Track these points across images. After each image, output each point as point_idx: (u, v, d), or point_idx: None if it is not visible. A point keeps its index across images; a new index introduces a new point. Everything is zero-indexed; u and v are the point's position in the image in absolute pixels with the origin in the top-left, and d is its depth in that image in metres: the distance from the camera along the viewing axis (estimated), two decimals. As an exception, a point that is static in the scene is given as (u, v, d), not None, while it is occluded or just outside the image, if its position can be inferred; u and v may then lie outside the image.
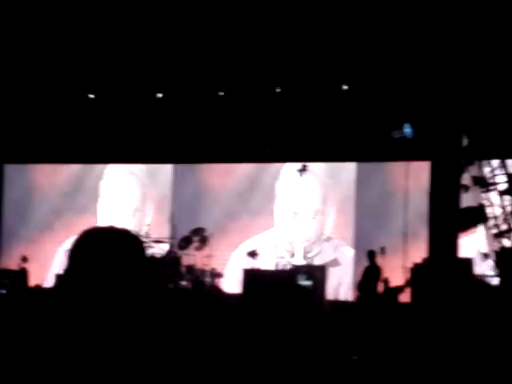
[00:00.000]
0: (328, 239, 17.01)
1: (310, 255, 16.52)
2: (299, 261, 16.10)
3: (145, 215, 18.15)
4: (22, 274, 14.74)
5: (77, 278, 2.18)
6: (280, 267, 15.56)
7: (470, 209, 14.26)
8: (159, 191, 18.27)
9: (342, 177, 17.22)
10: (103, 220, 18.28)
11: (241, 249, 17.16)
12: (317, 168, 16.98)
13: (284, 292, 13.05)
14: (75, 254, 2.22)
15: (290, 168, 16.98)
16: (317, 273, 14.61)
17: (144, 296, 2.20)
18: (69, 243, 17.83)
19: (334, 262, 16.27)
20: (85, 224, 17.77)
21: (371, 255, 14.53)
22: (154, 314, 2.27)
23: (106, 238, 2.24)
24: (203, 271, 15.31)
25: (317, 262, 16.31)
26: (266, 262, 15.99)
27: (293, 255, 16.52)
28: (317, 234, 17.04)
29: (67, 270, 2.21)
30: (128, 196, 18.39)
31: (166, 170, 18.36)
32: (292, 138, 16.57)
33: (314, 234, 17.02)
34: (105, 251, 2.19)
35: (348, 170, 17.21)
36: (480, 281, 12.57)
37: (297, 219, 16.86)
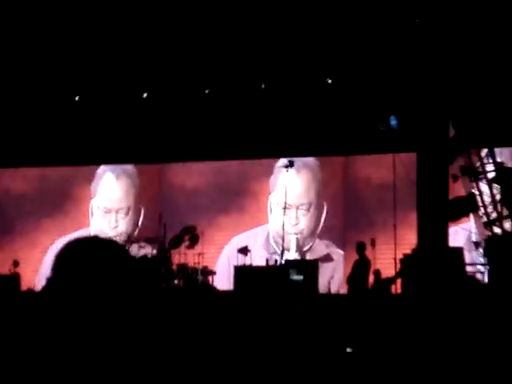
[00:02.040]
0: (320, 235, 17.06)
1: (303, 249, 16.59)
2: (292, 255, 16.15)
3: (135, 216, 18.12)
4: (14, 278, 14.70)
5: (59, 289, 2.17)
6: (271, 263, 15.58)
7: (459, 198, 14.33)
8: (149, 191, 18.26)
9: (333, 171, 17.25)
10: (93, 222, 18.27)
11: (232, 243, 17.19)
12: (310, 162, 17.06)
13: (276, 288, 13.06)
14: (58, 265, 2.21)
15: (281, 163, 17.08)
16: (308, 268, 14.63)
17: (133, 301, 2.19)
18: (57, 246, 18.02)
19: (327, 258, 16.28)
20: (75, 226, 17.95)
21: (361, 248, 14.53)
22: (146, 315, 2.26)
23: (89, 249, 2.22)
24: (195, 269, 15.31)
25: (309, 256, 16.35)
26: (258, 258, 16.01)
27: (286, 250, 16.58)
28: (310, 228, 17.07)
29: (50, 282, 2.20)
30: (117, 197, 18.37)
31: (153, 169, 18.34)
32: (278, 133, 16.58)
33: (307, 228, 17.05)
34: (88, 262, 2.18)
35: (336, 163, 17.24)
36: (470, 277, 12.61)
37: (290, 213, 16.86)
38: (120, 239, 15.67)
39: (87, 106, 17.32)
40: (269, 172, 17.49)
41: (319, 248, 16.80)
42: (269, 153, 17.13)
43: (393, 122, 14.45)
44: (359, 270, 14.30)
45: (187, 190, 17.99)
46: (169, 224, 15.71)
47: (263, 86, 16.26)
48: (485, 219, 14.14)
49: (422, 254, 12.98)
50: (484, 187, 14.16)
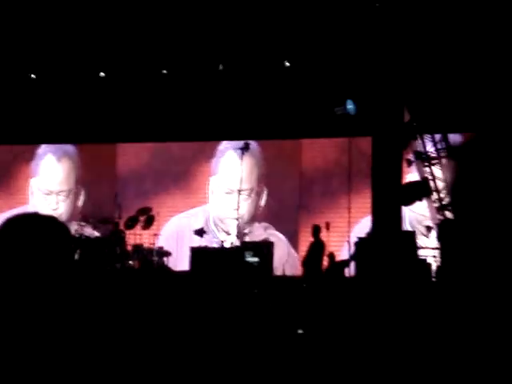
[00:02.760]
0: (259, 220, 17.22)
1: (243, 233, 16.77)
2: (233, 239, 16.28)
3: (75, 198, 18.08)
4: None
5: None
6: (227, 245, 15.64)
7: (413, 183, 14.51)
8: (103, 170, 18.16)
9: (281, 154, 17.31)
10: (33, 202, 18.23)
11: (172, 223, 17.28)
12: (253, 147, 17.17)
13: (231, 269, 13.13)
14: None
15: (228, 146, 17.17)
16: (263, 249, 14.71)
17: (73, 280, 2.18)
18: None
19: (265, 241, 16.36)
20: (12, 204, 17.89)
21: (316, 230, 14.63)
22: (90, 294, 2.25)
23: (29, 225, 2.21)
24: (150, 250, 15.30)
25: (248, 240, 16.45)
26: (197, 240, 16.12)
27: (227, 233, 16.77)
28: (250, 212, 17.26)
29: None
30: (59, 180, 18.32)
31: (109, 149, 18.22)
32: (234, 115, 16.56)
33: (248, 213, 17.23)
34: (27, 237, 2.16)
35: (286, 147, 17.28)
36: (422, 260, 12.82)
37: (231, 197, 17.03)
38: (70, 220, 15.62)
39: (41, 83, 17.08)
40: (210, 155, 17.62)
41: (258, 232, 16.98)
42: (221, 135, 17.14)
43: (349, 106, 14.54)
44: (314, 252, 14.42)
45: (137, 171, 17.94)
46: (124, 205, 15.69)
47: (221, 67, 16.21)
48: (437, 204, 14.34)
49: (376, 238, 13.14)
50: (437, 172, 14.34)
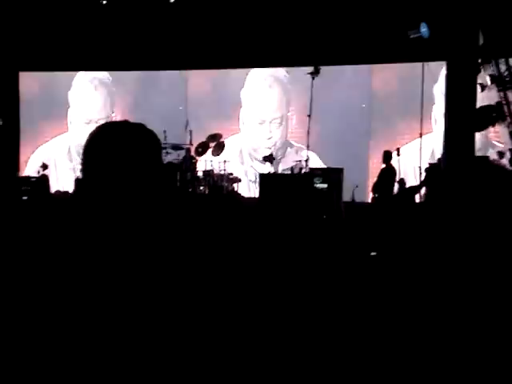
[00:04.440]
0: (291, 144, 17.38)
1: (278, 159, 16.86)
2: (267, 167, 16.37)
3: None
4: (43, 180, 14.90)
5: (93, 175, 2.17)
6: (296, 170, 15.63)
7: (486, 107, 14.19)
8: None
9: (351, 79, 17.08)
10: (72, 130, 18.65)
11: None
12: (281, 76, 17.11)
13: (300, 195, 13.15)
14: (90, 149, 2.21)
15: (257, 74, 17.25)
16: (332, 175, 14.67)
17: (162, 193, 2.23)
18: (42, 151, 18.46)
19: (299, 165, 16.33)
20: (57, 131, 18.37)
21: (386, 156, 14.51)
22: (172, 214, 2.28)
23: (121, 132, 2.22)
24: (220, 176, 15.43)
25: (283, 166, 16.46)
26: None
27: (262, 162, 16.89)
28: (282, 139, 17.49)
29: (83, 167, 2.20)
30: (98, 108, 18.71)
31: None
32: (304, 40, 16.28)
33: (280, 140, 17.48)
34: (120, 144, 2.17)
35: (357, 72, 17.04)
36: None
37: (264, 127, 17.30)
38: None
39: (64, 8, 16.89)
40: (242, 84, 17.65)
41: (290, 156, 16.99)
42: (294, 60, 16.93)
43: (423, 29, 14.20)
44: (385, 178, 14.34)
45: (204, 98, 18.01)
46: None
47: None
48: (511, 128, 14.03)
49: (448, 163, 12.98)
50: (511, 96, 13.99)
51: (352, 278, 6.16)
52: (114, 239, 2.13)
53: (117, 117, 18.33)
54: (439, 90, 15.83)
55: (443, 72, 15.42)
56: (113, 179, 2.15)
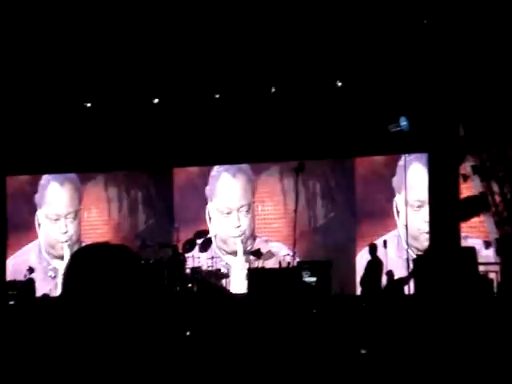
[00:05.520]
0: (256, 235, 17.53)
1: (247, 250, 16.87)
2: (240, 258, 16.40)
3: (80, 219, 18.41)
4: (29, 284, 14.82)
5: (73, 295, 2.19)
6: (284, 265, 15.64)
7: (471, 198, 14.35)
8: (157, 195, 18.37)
9: (335, 172, 17.31)
10: (42, 232, 18.63)
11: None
12: (243, 166, 17.54)
13: (289, 289, 13.11)
14: (70, 272, 2.23)
15: (220, 170, 17.63)
16: (321, 269, 14.68)
17: (145, 307, 2.23)
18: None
19: (270, 254, 16.31)
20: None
21: (373, 249, 14.58)
22: (158, 318, 2.29)
23: (101, 255, 2.24)
24: (208, 272, 15.41)
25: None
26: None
27: (232, 254, 16.93)
28: (250, 228, 17.52)
29: (63, 288, 2.22)
30: (65, 203, 18.73)
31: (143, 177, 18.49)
32: (289, 136, 16.55)
33: (249, 228, 17.47)
34: (99, 267, 2.19)
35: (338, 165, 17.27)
36: (483, 276, 12.65)
37: (231, 216, 17.39)
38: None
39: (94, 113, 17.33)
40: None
41: (261, 245, 17.01)
42: (272, 156, 17.14)
43: (403, 122, 14.48)
44: (372, 270, 14.36)
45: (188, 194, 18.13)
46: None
47: (273, 89, 16.26)
48: (496, 218, 14.16)
49: (435, 254, 13.02)
50: (495, 187, 14.18)
51: (343, 375, 6.12)
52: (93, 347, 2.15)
53: (84, 210, 18.44)
54: (397, 182, 16.21)
55: (400, 164, 15.78)
56: (92, 302, 2.16)
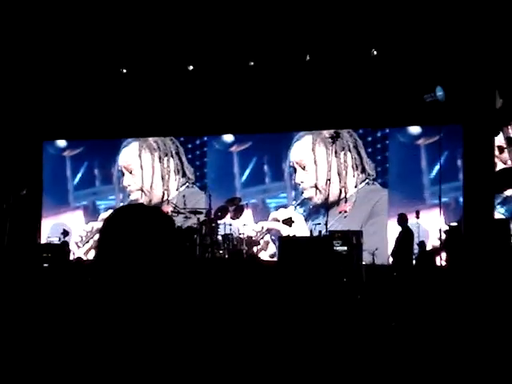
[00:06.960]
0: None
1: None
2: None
3: (178, 187, 18.33)
4: (63, 247, 14.98)
5: (108, 256, 2.22)
6: (315, 233, 15.64)
7: (505, 170, 14.20)
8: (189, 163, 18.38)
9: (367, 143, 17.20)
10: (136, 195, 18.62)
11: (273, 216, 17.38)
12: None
13: (320, 258, 13.11)
14: (106, 232, 2.27)
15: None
16: (352, 238, 14.65)
17: (178, 268, 2.25)
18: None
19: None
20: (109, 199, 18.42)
21: (403, 219, 14.49)
22: (190, 285, 2.31)
23: (135, 216, 2.27)
24: (239, 239, 15.45)
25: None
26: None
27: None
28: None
29: (98, 248, 2.26)
30: (159, 169, 18.60)
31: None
32: (323, 106, 16.48)
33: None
34: (134, 228, 2.22)
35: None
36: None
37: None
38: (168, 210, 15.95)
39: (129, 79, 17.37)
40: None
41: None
42: (308, 126, 17.09)
43: (439, 93, 14.30)
44: (403, 241, 14.29)
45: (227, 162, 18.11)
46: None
47: (308, 58, 16.16)
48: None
49: (468, 225, 12.93)
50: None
51: (371, 346, 6.12)
52: (125, 314, 2.17)
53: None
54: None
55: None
56: (126, 262, 2.19)
